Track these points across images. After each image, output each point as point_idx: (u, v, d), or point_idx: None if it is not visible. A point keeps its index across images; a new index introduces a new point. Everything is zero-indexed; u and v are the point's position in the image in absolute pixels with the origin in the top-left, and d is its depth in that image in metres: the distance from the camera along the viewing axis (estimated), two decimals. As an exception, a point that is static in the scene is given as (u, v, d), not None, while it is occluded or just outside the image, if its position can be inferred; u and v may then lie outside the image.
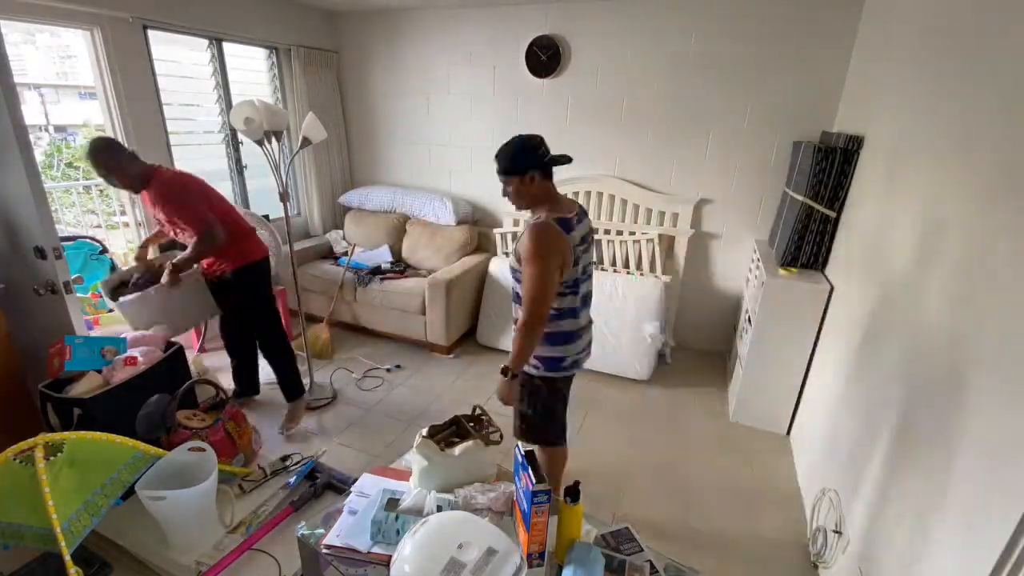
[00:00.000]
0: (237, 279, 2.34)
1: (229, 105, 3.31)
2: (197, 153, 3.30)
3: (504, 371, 1.56)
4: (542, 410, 1.74)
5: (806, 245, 2.46)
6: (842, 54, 2.66)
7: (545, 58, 3.31)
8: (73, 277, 1.96)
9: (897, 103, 1.94)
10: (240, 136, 3.40)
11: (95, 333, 2.62)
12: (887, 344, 1.64)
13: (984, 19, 1.39)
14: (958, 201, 1.36)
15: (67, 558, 1.21)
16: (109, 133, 2.82)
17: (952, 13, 1.59)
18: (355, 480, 1.40)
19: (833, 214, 2.36)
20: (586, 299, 1.70)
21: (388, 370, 3.17)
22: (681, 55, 3.01)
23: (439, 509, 1.20)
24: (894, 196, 1.81)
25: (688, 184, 3.22)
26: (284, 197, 2.50)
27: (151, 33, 2.86)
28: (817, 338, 2.37)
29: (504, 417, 2.68)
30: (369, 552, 1.16)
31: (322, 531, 1.25)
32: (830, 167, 2.30)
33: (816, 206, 2.36)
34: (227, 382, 2.93)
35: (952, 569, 1.10)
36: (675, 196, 3.24)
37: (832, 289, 2.30)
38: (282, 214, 2.57)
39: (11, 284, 1.99)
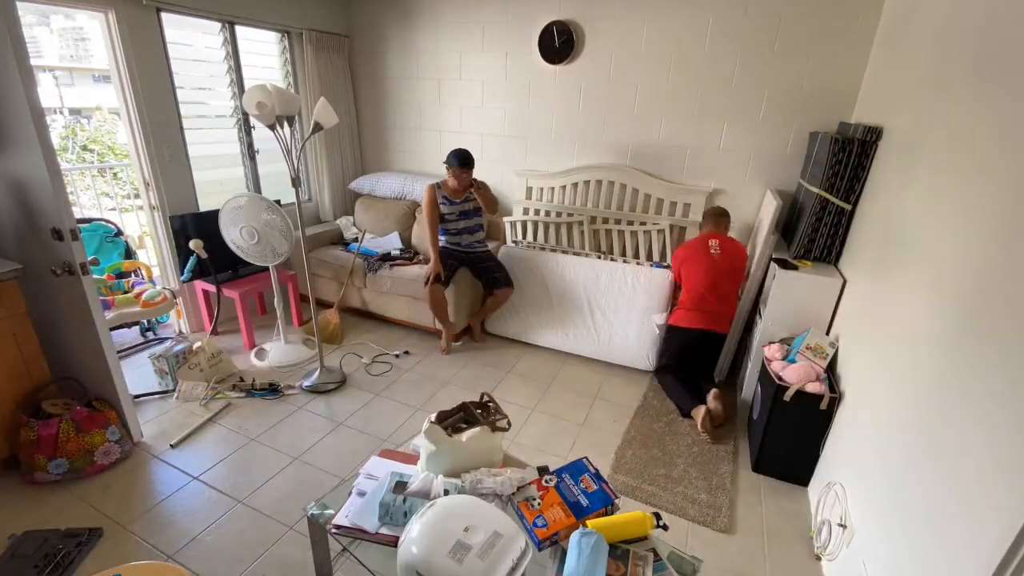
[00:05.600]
0: None
1: (241, 89, 3.32)
2: (209, 137, 3.31)
3: None
4: None
5: (820, 238, 2.43)
6: (863, 42, 2.60)
7: (559, 44, 3.27)
8: (89, 259, 2.00)
9: (920, 94, 1.89)
10: (252, 121, 3.42)
11: (111, 314, 2.68)
12: (898, 338, 1.62)
13: (1012, 8, 1.35)
14: (982, 196, 1.33)
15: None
16: (123, 117, 2.84)
17: (977, 1, 1.55)
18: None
19: (848, 207, 2.32)
20: None
21: (397, 356, 3.20)
22: (697, 43, 2.96)
23: (446, 493, 1.22)
24: (913, 190, 1.77)
25: (701, 174, 3.18)
26: (296, 182, 2.51)
27: (164, 16, 2.86)
28: (828, 331, 2.35)
29: (511, 405, 2.72)
30: (377, 533, 1.19)
31: (331, 511, 1.28)
32: (847, 159, 2.25)
33: (831, 198, 2.33)
34: (240, 363, 2.98)
35: (956, 566, 1.10)
36: (687, 186, 3.20)
37: (845, 282, 2.28)
38: (294, 199, 2.59)
39: (29, 264, 2.03)
